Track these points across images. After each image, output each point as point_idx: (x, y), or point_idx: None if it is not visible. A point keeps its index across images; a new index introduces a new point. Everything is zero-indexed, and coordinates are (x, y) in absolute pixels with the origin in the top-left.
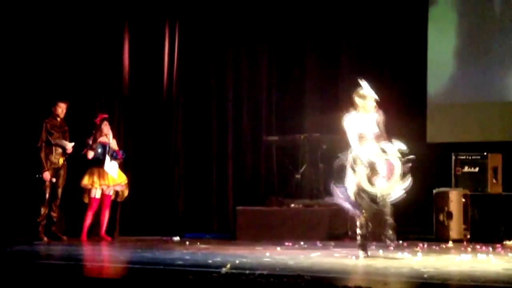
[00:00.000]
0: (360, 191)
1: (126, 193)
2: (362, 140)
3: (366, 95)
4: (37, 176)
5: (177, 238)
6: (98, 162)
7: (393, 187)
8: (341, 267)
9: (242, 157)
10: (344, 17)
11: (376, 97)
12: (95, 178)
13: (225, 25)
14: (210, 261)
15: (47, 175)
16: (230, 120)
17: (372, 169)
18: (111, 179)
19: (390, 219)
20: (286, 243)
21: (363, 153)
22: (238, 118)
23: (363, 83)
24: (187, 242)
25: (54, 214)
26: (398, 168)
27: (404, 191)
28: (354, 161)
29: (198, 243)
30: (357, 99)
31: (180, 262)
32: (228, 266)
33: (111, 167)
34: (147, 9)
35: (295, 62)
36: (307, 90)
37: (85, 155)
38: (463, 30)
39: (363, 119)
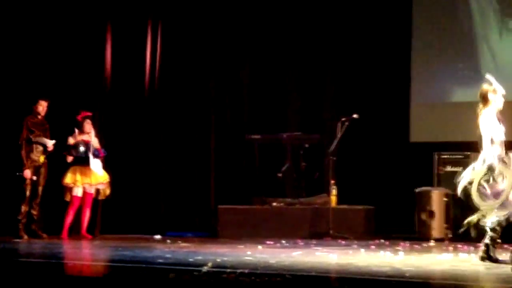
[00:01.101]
0: None
1: (108, 191)
2: (494, 143)
3: (497, 90)
4: (17, 174)
5: (158, 237)
6: (81, 161)
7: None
8: (323, 266)
9: (224, 156)
10: (328, 18)
11: (504, 92)
12: (78, 177)
13: (208, 26)
14: (191, 260)
15: (27, 173)
16: (212, 119)
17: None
18: (94, 177)
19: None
20: (268, 242)
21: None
22: (220, 117)
23: (491, 78)
24: (169, 241)
25: (34, 212)
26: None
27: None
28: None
29: (180, 242)
30: (490, 95)
31: (161, 261)
32: (210, 264)
33: (95, 165)
34: (129, 9)
35: (277, 61)
36: (289, 88)
37: (65, 156)
38: (447, 30)
39: (495, 117)
